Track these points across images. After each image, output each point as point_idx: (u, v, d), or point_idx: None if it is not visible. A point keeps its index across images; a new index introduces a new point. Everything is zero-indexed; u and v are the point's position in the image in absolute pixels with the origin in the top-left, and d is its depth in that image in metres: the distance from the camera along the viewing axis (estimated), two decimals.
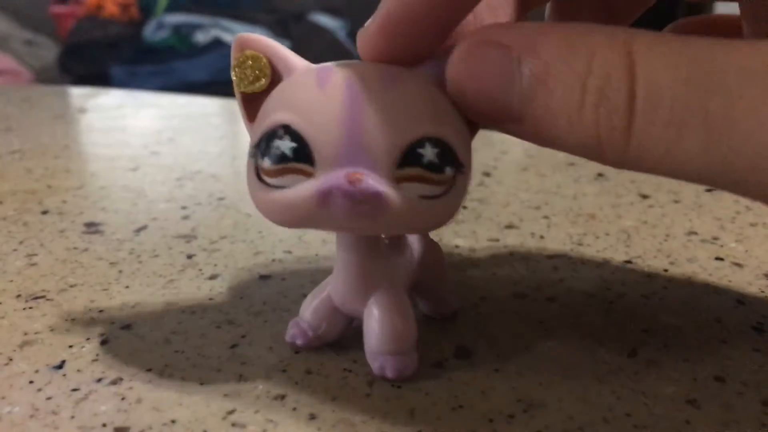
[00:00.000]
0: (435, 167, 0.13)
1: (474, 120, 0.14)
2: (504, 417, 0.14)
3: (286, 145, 0.13)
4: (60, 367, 0.16)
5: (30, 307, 0.19)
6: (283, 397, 0.15)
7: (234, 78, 0.14)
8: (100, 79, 1.33)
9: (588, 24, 0.12)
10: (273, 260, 0.22)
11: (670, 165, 0.11)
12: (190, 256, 0.22)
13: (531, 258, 0.22)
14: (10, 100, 0.52)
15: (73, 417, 0.14)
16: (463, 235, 0.24)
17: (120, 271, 0.21)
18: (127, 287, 0.20)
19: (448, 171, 0.13)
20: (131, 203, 0.28)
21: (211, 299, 0.19)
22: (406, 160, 0.12)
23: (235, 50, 0.14)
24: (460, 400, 0.14)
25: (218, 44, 1.43)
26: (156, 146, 0.38)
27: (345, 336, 0.16)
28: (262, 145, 0.13)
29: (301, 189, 0.13)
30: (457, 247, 0.23)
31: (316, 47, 1.36)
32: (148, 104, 0.52)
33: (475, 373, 0.16)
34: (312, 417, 0.14)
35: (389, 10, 0.14)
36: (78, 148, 0.39)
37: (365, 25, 0.14)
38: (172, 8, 1.55)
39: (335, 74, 0.13)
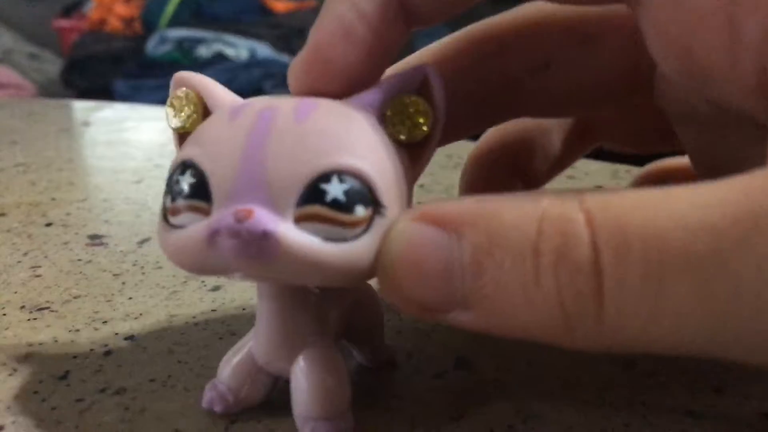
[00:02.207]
0: (340, 206, 0.11)
1: (410, 312, 0.11)
2: (503, 428, 0.14)
3: (185, 181, 0.12)
4: (64, 377, 0.16)
5: (34, 318, 0.19)
6: (285, 407, 0.15)
7: (166, 115, 0.14)
8: (104, 93, 1.34)
9: (531, 191, 0.11)
10: None
11: (658, 328, 0.09)
12: None
13: None
14: (15, 113, 0.53)
15: (77, 427, 0.14)
16: None
17: (123, 283, 0.21)
18: (130, 298, 0.20)
19: (359, 211, 0.11)
20: (134, 215, 0.28)
21: (213, 311, 0.19)
22: (309, 197, 0.11)
23: (172, 88, 0.14)
24: (460, 410, 0.15)
25: (221, 59, 1.44)
26: (159, 159, 0.38)
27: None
28: (168, 183, 0.12)
29: (193, 229, 0.11)
30: None
31: None
32: (151, 117, 0.53)
33: (474, 384, 0.16)
34: None
35: (318, 42, 0.13)
36: (82, 161, 0.39)
37: (295, 58, 0.13)
38: (175, 23, 1.56)
39: (248, 107, 0.12)
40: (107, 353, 0.17)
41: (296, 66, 0.13)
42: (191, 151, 0.12)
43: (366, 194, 0.11)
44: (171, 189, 0.12)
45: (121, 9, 1.67)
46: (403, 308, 0.11)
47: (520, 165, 0.19)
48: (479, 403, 0.15)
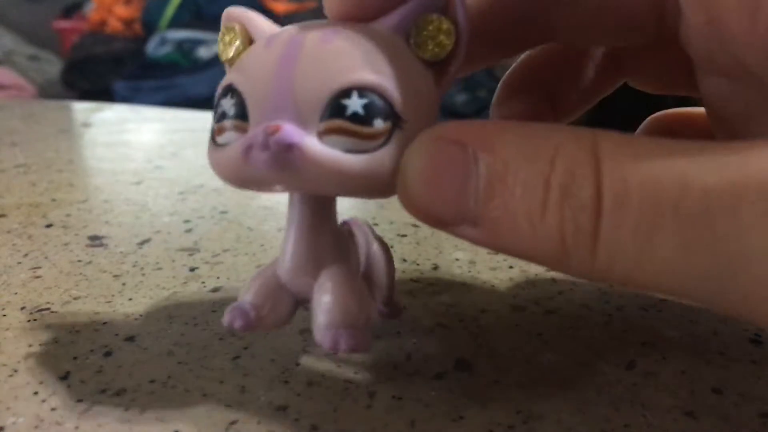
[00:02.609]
0: (360, 119, 0.12)
1: (425, 223, 0.12)
2: (504, 428, 0.14)
3: (227, 103, 0.13)
4: (64, 378, 0.16)
5: (34, 319, 0.19)
6: (284, 408, 0.15)
7: (218, 50, 0.15)
8: (104, 94, 1.34)
9: (551, 123, 0.11)
10: None
11: (643, 273, 0.10)
12: (192, 269, 0.22)
13: (530, 271, 0.23)
14: (15, 114, 0.53)
15: (77, 428, 0.14)
16: (462, 248, 0.25)
17: (123, 284, 0.21)
18: (130, 299, 0.20)
19: (378, 124, 0.12)
20: (135, 217, 0.28)
21: (213, 311, 0.19)
22: (330, 112, 0.12)
23: (222, 23, 0.15)
24: (461, 411, 0.15)
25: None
26: (159, 160, 0.38)
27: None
28: (214, 107, 0.14)
29: (233, 146, 0.13)
30: (456, 260, 0.24)
31: None
32: (152, 119, 0.53)
33: (475, 384, 0.16)
34: (313, 428, 0.14)
35: None
36: (82, 162, 0.39)
37: None
38: (175, 24, 1.56)
39: (282, 34, 0.13)
40: (107, 354, 0.17)
41: None
42: (233, 77, 0.13)
43: (385, 108, 0.12)
44: (215, 112, 0.13)
45: (121, 10, 1.67)
46: (419, 219, 0.12)
47: (550, 91, 0.20)
48: (479, 404, 0.15)
